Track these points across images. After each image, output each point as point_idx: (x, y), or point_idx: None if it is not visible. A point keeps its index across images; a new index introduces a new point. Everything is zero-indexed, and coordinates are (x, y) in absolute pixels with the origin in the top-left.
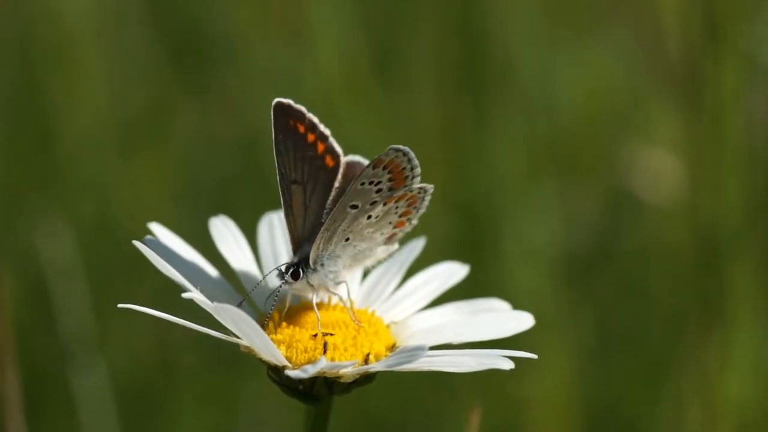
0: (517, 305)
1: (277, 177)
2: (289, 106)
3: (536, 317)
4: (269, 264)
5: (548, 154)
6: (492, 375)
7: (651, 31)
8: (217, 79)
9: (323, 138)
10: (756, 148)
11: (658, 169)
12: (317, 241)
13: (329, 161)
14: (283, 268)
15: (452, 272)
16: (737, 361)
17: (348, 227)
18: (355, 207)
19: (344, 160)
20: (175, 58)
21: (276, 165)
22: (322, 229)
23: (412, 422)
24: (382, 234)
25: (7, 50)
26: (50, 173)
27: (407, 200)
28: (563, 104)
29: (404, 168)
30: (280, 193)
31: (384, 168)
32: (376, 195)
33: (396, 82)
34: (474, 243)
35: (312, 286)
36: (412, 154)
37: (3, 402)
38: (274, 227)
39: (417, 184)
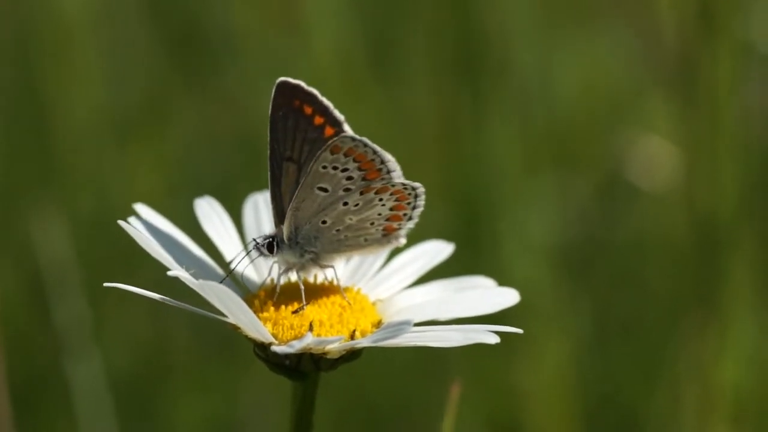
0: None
1: (268, 151)
2: (297, 87)
3: (534, 308)
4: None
5: (545, 146)
6: (489, 364)
7: (648, 22)
8: (215, 73)
9: (335, 123)
10: (752, 137)
11: (655, 158)
12: (287, 217)
13: None
14: (259, 240)
15: (438, 250)
16: (733, 349)
17: (322, 210)
18: (324, 190)
19: None
20: (173, 53)
21: (269, 140)
22: (290, 206)
23: (403, 410)
24: (372, 225)
25: (5, 45)
26: (48, 167)
27: (392, 194)
28: (560, 96)
29: (372, 160)
30: (269, 168)
31: (345, 155)
32: (347, 182)
33: (393, 75)
34: (472, 234)
35: (289, 262)
36: (374, 146)
37: None
38: (260, 208)
39: (398, 177)
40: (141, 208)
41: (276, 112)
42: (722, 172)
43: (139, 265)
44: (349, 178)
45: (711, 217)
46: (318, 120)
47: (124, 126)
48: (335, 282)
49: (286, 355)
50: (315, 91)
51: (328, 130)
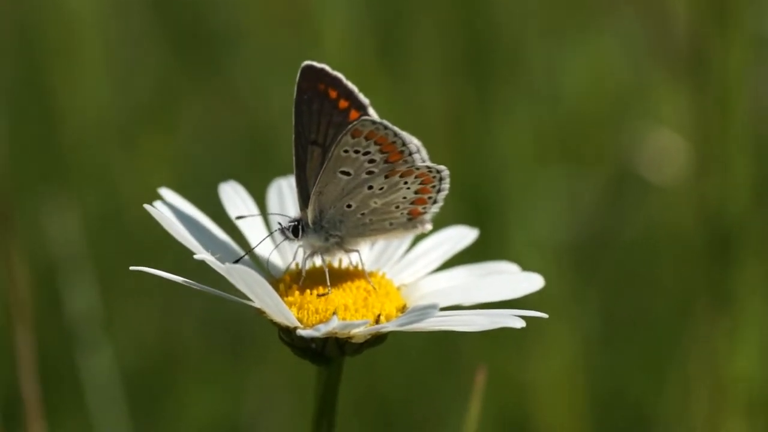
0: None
1: (293, 135)
2: (322, 71)
3: (543, 303)
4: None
5: (554, 140)
6: (499, 358)
7: (658, 14)
8: (222, 68)
9: (360, 107)
10: (763, 128)
11: (665, 151)
12: (311, 201)
13: None
14: (284, 224)
15: (462, 236)
16: (745, 343)
17: (347, 194)
18: (346, 174)
19: None
20: (179, 49)
21: (293, 123)
22: (314, 190)
23: (416, 403)
24: (397, 208)
25: (12, 40)
26: (57, 163)
27: (417, 177)
28: (569, 90)
29: (394, 142)
30: (294, 151)
31: (366, 139)
32: (370, 165)
33: (402, 69)
34: (480, 229)
35: (314, 246)
36: (395, 128)
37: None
38: (284, 193)
39: (420, 160)
40: (166, 192)
41: (301, 96)
42: (733, 164)
43: (151, 258)
44: (371, 161)
45: (722, 209)
46: (343, 104)
47: (131, 122)
48: (360, 266)
49: (312, 339)
50: (340, 75)
51: (353, 114)
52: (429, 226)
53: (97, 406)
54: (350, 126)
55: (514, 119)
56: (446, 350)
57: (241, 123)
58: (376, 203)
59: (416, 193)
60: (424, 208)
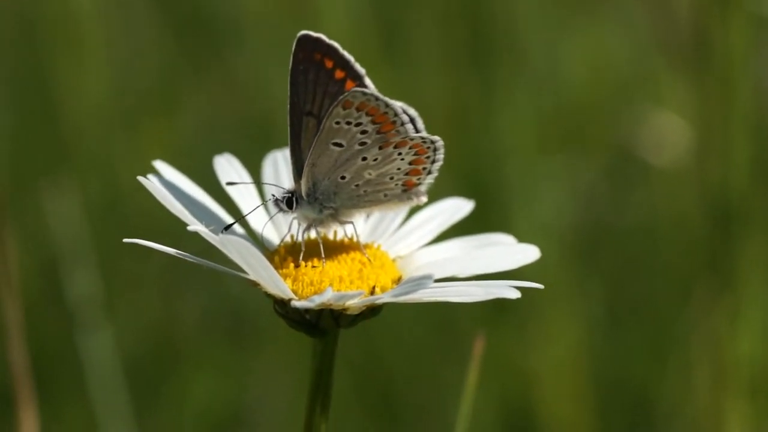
0: (525, 277)
1: (288, 106)
2: (318, 40)
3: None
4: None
5: (556, 127)
6: (501, 345)
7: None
8: (224, 56)
9: (356, 77)
10: (765, 110)
11: (667, 135)
12: (304, 172)
13: None
14: (278, 195)
15: (457, 208)
16: (747, 324)
17: (341, 166)
18: (339, 145)
19: None
20: (181, 38)
21: (288, 93)
22: (307, 162)
23: (419, 385)
24: (392, 179)
25: (13, 28)
26: (59, 151)
27: (411, 148)
28: (571, 76)
29: (385, 113)
30: (289, 122)
31: (358, 110)
32: (362, 136)
33: (404, 58)
34: (482, 216)
35: (308, 218)
36: (386, 99)
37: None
38: (279, 165)
39: (412, 131)
40: (161, 165)
41: (297, 66)
42: (734, 147)
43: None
44: (364, 132)
45: (723, 192)
46: (339, 74)
47: (133, 110)
48: (355, 238)
49: (306, 311)
50: (336, 45)
51: (349, 84)
52: (424, 198)
53: (97, 392)
54: (341, 97)
55: (516, 106)
56: (448, 335)
57: (243, 110)
58: (371, 174)
59: (410, 164)
60: (419, 179)
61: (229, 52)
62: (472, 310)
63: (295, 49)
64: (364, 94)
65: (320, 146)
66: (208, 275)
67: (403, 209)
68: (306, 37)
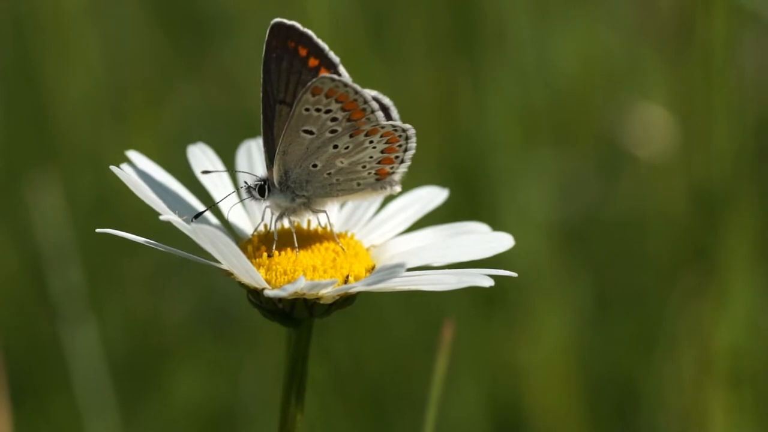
0: (512, 269)
1: (260, 94)
2: (292, 28)
3: (533, 282)
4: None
5: (544, 120)
6: (488, 338)
7: None
8: (213, 53)
9: (330, 65)
10: (747, 100)
11: (653, 126)
12: (275, 160)
13: None
14: (251, 183)
15: (432, 196)
16: (731, 313)
17: (312, 154)
18: (309, 133)
19: None
20: (170, 32)
21: (261, 82)
22: (278, 149)
23: (404, 381)
24: (364, 168)
25: (2, 22)
26: (46, 146)
27: (383, 136)
28: (558, 70)
29: (355, 100)
30: (261, 111)
31: (327, 96)
32: (332, 124)
33: (392, 52)
34: (471, 209)
35: (281, 206)
36: (355, 86)
37: None
38: (253, 154)
39: (383, 118)
40: (134, 155)
41: (270, 54)
42: (718, 136)
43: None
44: (334, 119)
45: (707, 182)
46: (313, 62)
47: (122, 105)
48: (329, 228)
49: (279, 300)
50: (310, 33)
51: (323, 72)
52: (398, 188)
53: (83, 388)
54: (309, 84)
55: (503, 99)
56: (433, 332)
57: (233, 104)
58: (342, 163)
59: (382, 152)
60: (392, 168)
61: (219, 45)
62: (461, 303)
63: (268, 37)
64: (332, 80)
65: (291, 133)
66: (197, 271)
67: (377, 199)
68: (280, 24)
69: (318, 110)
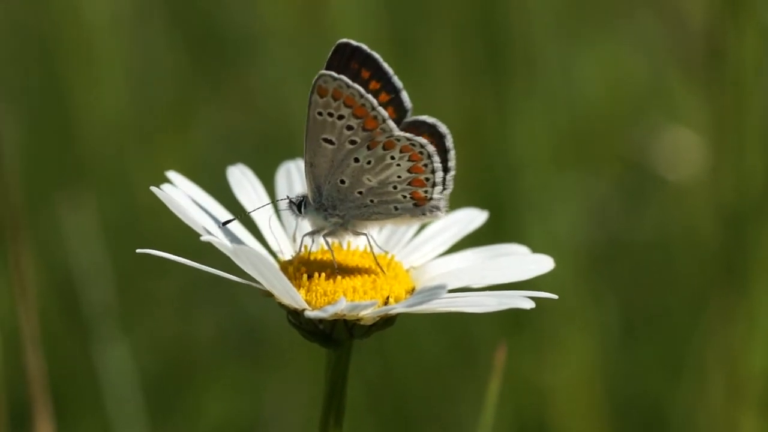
0: (539, 291)
1: (308, 111)
2: (358, 49)
3: (560, 304)
4: (286, 212)
5: (570, 143)
6: (516, 360)
7: (673, 13)
8: (238, 75)
9: (392, 90)
10: None
11: (682, 149)
12: (306, 173)
13: (390, 113)
14: (293, 198)
15: (471, 218)
16: (760, 337)
17: (337, 167)
18: (330, 142)
19: (410, 118)
20: (196, 56)
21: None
22: (305, 160)
23: (435, 400)
24: (395, 189)
25: (31, 47)
26: (74, 167)
27: (402, 152)
28: (585, 93)
29: (363, 105)
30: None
31: (335, 99)
32: (349, 133)
33: (419, 72)
34: (497, 231)
35: (317, 225)
36: (358, 88)
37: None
38: (292, 175)
39: (395, 129)
40: (174, 175)
41: (329, 71)
42: (747, 158)
43: (168, 266)
44: (350, 127)
45: (737, 204)
46: (374, 85)
47: (149, 126)
48: (369, 249)
49: (320, 321)
50: (377, 55)
51: (383, 97)
52: (441, 214)
53: (114, 406)
54: (314, 82)
55: (531, 121)
56: (464, 351)
57: (259, 127)
58: (370, 181)
59: (409, 171)
60: (426, 191)
61: (244, 66)
62: (488, 325)
63: (330, 56)
64: (334, 78)
65: (312, 141)
66: (225, 293)
67: (416, 224)
68: (345, 45)
69: (330, 115)
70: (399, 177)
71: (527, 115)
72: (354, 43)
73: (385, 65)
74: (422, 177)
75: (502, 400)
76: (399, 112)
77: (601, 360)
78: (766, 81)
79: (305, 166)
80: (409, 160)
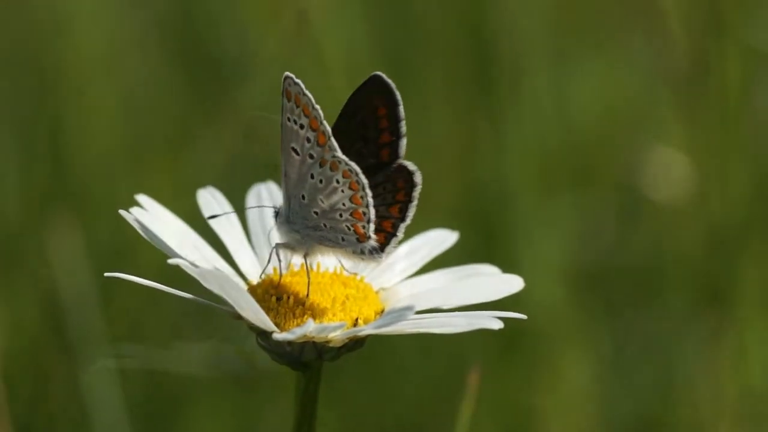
0: (532, 317)
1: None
2: (387, 87)
3: (552, 327)
4: (257, 233)
5: (562, 165)
6: (508, 384)
7: (660, 37)
8: (231, 102)
9: (396, 133)
10: (763, 141)
11: (671, 170)
12: (282, 182)
13: (383, 155)
14: (276, 208)
15: (442, 239)
16: (749, 355)
17: (302, 181)
18: (296, 152)
19: (399, 163)
20: (190, 82)
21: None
22: (282, 169)
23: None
24: (341, 217)
25: (25, 75)
26: (64, 194)
27: (344, 177)
28: (576, 115)
29: (316, 117)
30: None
31: (296, 105)
32: (308, 145)
33: (410, 95)
34: (489, 254)
35: (280, 236)
36: (309, 95)
37: None
38: (262, 199)
39: (337, 151)
40: (144, 199)
41: (348, 105)
42: (734, 179)
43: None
44: (308, 140)
45: (724, 225)
46: (383, 123)
47: (140, 153)
48: (338, 271)
49: (288, 343)
50: (399, 97)
51: (385, 137)
52: (381, 259)
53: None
54: (282, 84)
55: (521, 143)
56: (449, 377)
57: (252, 155)
58: (323, 203)
59: (351, 201)
60: (364, 227)
61: (238, 93)
62: (480, 347)
63: (360, 86)
64: (295, 81)
65: (285, 150)
66: (216, 320)
67: (357, 265)
68: (376, 78)
69: (295, 122)
70: (344, 204)
71: (518, 136)
72: (386, 78)
73: (401, 110)
74: (360, 210)
75: (494, 422)
76: (392, 156)
77: (595, 381)
78: (750, 102)
79: (282, 176)
80: (350, 188)
